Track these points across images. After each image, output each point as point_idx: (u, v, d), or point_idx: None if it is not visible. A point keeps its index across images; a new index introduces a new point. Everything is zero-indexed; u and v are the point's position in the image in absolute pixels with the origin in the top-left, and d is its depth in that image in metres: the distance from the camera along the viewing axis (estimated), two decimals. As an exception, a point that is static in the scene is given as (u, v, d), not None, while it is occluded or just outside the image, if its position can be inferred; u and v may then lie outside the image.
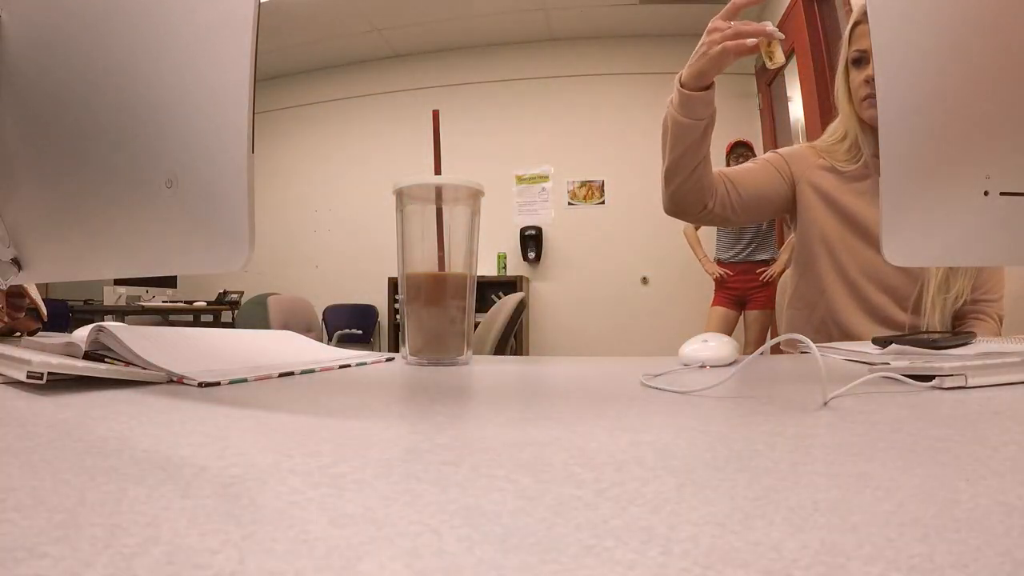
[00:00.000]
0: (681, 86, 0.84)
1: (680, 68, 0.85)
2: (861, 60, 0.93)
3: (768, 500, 0.19)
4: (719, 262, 3.07)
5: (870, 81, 0.91)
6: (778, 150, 1.04)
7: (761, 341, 2.76)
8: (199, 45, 0.39)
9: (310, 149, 4.56)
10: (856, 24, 0.95)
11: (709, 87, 0.83)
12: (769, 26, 0.75)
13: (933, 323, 0.92)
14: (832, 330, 0.99)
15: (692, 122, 0.84)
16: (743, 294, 2.96)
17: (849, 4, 2.40)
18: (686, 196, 0.91)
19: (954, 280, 0.92)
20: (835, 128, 1.01)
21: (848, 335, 0.97)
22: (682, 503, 0.19)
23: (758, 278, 2.91)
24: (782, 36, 0.75)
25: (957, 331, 0.90)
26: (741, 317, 3.00)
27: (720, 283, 3.03)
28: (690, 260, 3.42)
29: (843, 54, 0.96)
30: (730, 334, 2.88)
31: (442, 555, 0.15)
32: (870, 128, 0.95)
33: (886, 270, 0.94)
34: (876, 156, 0.94)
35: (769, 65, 0.77)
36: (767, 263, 2.95)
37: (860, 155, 0.96)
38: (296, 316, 3.31)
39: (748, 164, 1.03)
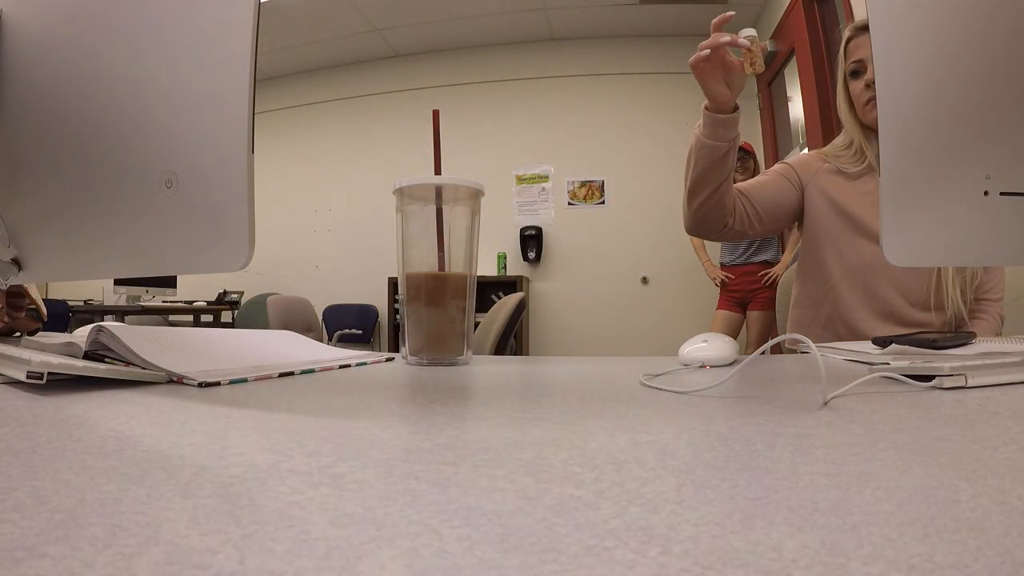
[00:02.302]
0: (707, 109, 0.88)
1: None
2: (859, 71, 0.99)
3: (768, 500, 0.19)
4: (723, 266, 3.06)
5: (870, 85, 0.97)
6: (786, 160, 1.08)
7: (763, 341, 2.76)
8: (199, 45, 0.39)
9: (310, 149, 4.56)
10: (850, 39, 1.01)
11: (735, 110, 0.87)
12: (740, 38, 0.77)
13: (957, 302, 0.94)
14: (839, 327, 1.00)
15: (714, 143, 0.88)
16: (745, 295, 2.97)
17: (849, 4, 2.40)
18: (708, 215, 0.94)
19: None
20: (840, 141, 1.06)
21: (854, 331, 0.98)
22: (682, 503, 0.19)
23: (760, 279, 2.91)
24: (747, 43, 0.77)
25: (957, 331, 0.90)
26: (745, 319, 3.00)
27: (723, 286, 3.03)
28: (690, 260, 3.42)
29: (841, 68, 1.02)
30: (735, 337, 2.88)
31: (442, 555, 0.15)
32: (872, 133, 1.00)
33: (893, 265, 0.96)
34: (879, 159, 0.97)
35: (748, 71, 0.79)
36: (769, 264, 2.95)
37: (864, 158, 1.01)
38: (296, 316, 3.32)
39: (760, 177, 1.06)
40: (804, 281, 1.07)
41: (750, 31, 0.80)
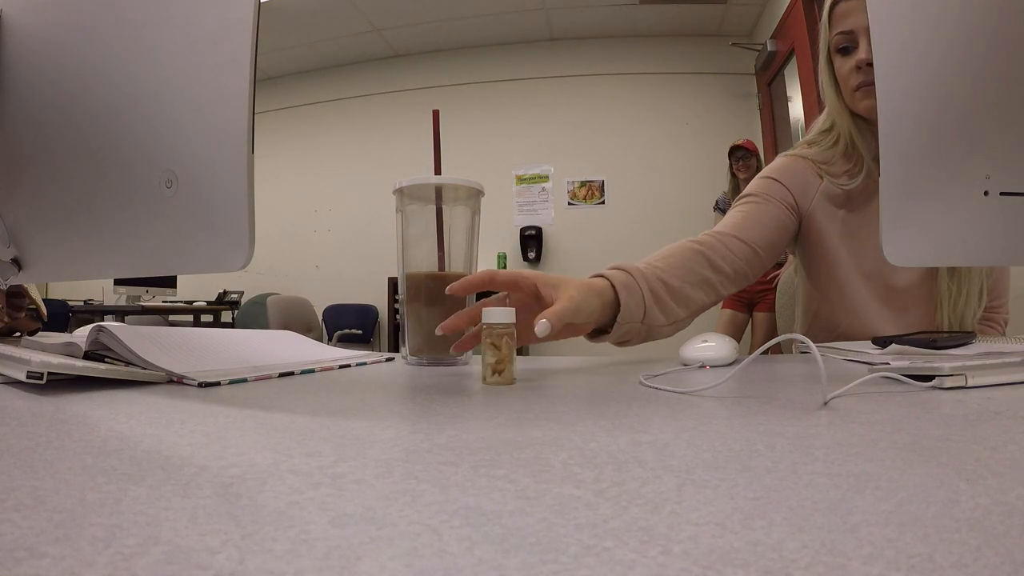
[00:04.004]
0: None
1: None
2: (847, 46, 0.81)
3: (768, 500, 0.19)
4: None
5: (862, 67, 0.79)
6: (774, 176, 0.88)
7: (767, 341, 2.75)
8: (199, 45, 0.39)
9: (310, 149, 4.56)
10: (834, 5, 0.82)
11: (613, 326, 0.64)
12: (476, 326, 0.54)
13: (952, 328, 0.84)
14: None
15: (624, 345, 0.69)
16: (753, 296, 2.96)
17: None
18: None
19: (965, 283, 0.84)
20: (822, 123, 0.88)
21: None
22: (682, 503, 0.19)
23: (769, 281, 2.90)
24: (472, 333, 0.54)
25: (957, 331, 0.90)
26: (750, 319, 2.98)
27: None
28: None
29: (823, 40, 0.84)
30: (739, 337, 2.87)
31: (442, 555, 0.15)
32: (865, 123, 0.83)
33: (903, 305, 0.86)
34: (877, 160, 0.85)
35: (487, 376, 0.50)
36: (777, 265, 2.94)
37: (860, 163, 0.84)
38: (296, 316, 3.32)
39: (750, 208, 0.85)
40: (810, 324, 0.95)
41: (495, 315, 0.50)
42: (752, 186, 0.88)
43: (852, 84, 0.81)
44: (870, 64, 0.76)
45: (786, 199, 0.85)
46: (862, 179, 0.83)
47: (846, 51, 0.81)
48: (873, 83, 0.77)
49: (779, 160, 0.91)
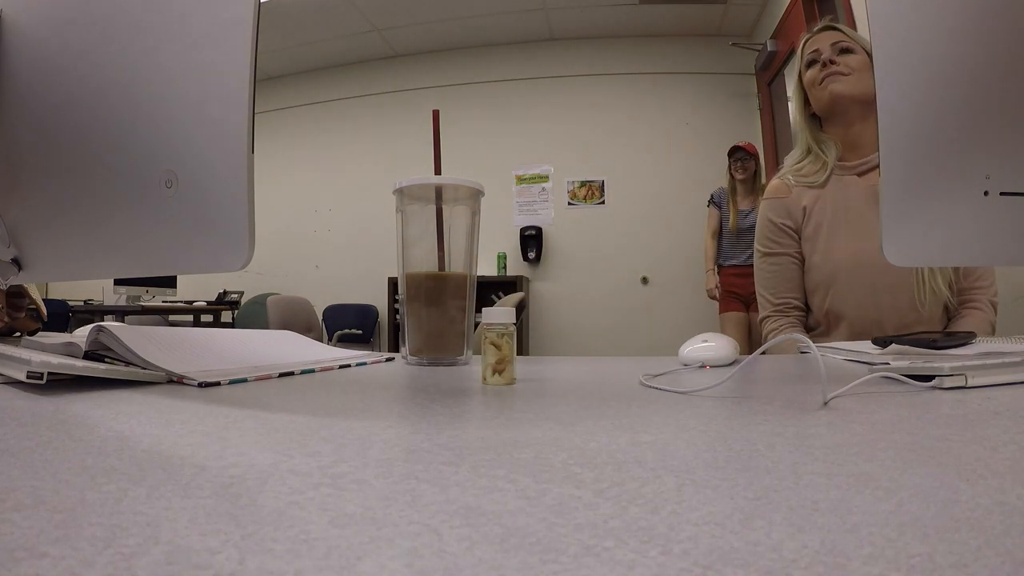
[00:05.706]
0: None
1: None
2: (813, 60, 1.01)
3: (768, 500, 0.19)
4: (729, 267, 3.04)
5: (825, 64, 0.98)
6: (775, 218, 1.06)
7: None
8: (200, 45, 0.39)
9: (310, 149, 4.56)
10: (806, 67, 1.04)
11: None
12: None
13: (943, 292, 0.93)
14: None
15: None
16: (749, 296, 2.96)
17: (849, 4, 2.40)
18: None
19: None
20: (794, 156, 1.09)
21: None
22: (682, 503, 0.19)
23: None
24: None
25: (957, 331, 0.90)
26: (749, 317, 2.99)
27: (726, 287, 3.02)
28: (690, 260, 3.41)
29: (797, 101, 1.07)
30: (747, 333, 2.87)
31: (442, 555, 0.15)
32: (824, 134, 1.04)
33: (882, 274, 0.96)
34: (840, 160, 1.02)
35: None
36: None
37: (825, 165, 1.02)
38: (296, 316, 3.32)
39: (779, 265, 1.07)
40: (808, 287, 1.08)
41: (495, 315, 0.50)
42: (761, 235, 1.08)
43: (818, 81, 0.99)
44: (832, 61, 0.98)
45: (790, 231, 1.05)
46: (828, 174, 1.02)
47: (812, 64, 1.01)
48: (835, 72, 0.97)
49: (770, 187, 1.12)
